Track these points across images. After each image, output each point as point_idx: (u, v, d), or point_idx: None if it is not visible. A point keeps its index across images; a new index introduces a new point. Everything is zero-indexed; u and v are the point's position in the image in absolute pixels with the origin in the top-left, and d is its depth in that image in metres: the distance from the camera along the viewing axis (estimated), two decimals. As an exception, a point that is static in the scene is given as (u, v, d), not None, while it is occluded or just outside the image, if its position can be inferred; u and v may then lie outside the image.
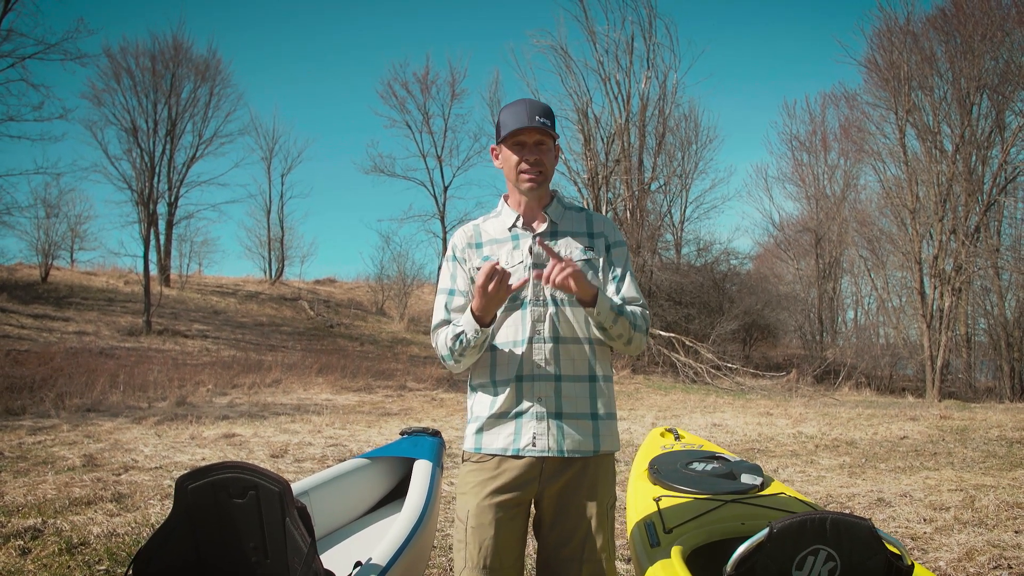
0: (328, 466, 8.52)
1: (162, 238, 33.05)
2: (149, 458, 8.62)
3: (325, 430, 11.33)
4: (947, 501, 6.78)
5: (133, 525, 5.63)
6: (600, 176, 30.38)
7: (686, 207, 37.49)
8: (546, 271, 2.47)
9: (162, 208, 32.22)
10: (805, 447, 10.52)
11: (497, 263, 2.48)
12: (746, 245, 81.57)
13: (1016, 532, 5.67)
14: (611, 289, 2.79)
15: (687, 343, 26.20)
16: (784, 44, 69.66)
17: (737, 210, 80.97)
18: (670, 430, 4.57)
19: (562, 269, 2.44)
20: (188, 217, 35.11)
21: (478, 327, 2.56)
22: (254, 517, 2.62)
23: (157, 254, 31.97)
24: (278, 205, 41.75)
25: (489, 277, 2.44)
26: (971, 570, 4.80)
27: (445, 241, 37.16)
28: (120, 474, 7.66)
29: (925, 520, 6.13)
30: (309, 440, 10.30)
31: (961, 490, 7.28)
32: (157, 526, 5.64)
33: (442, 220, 37.49)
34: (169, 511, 6.01)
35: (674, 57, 39.85)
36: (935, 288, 28.10)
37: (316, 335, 29.90)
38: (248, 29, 69.05)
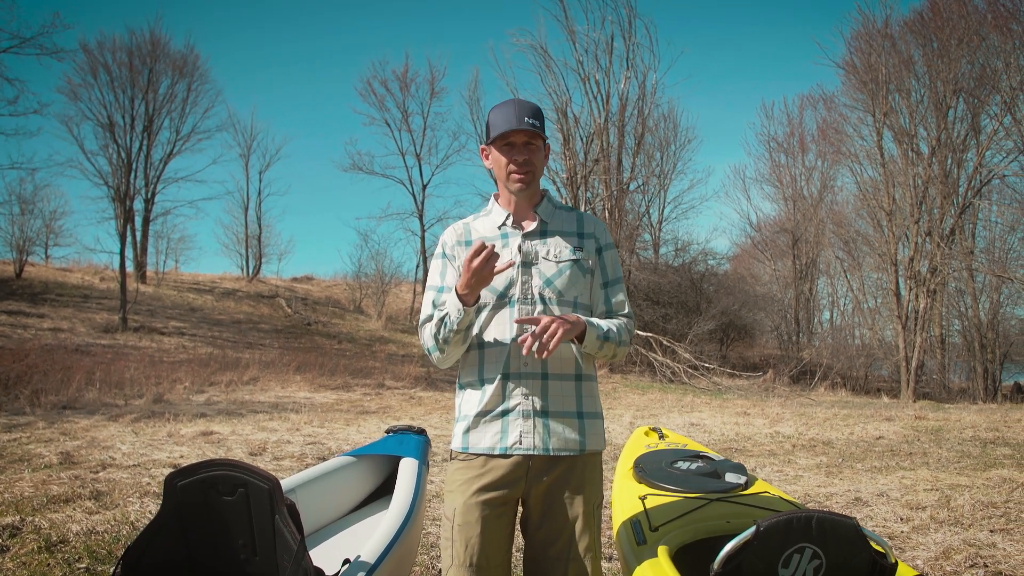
0: (307, 464, 8.52)
1: (139, 235, 32.82)
2: (127, 456, 8.57)
3: (303, 428, 11.30)
4: (923, 500, 6.85)
5: (112, 523, 5.60)
6: (579, 176, 30.40)
7: (664, 207, 37.65)
8: (533, 344, 2.46)
9: (139, 204, 32.07)
10: (782, 447, 10.59)
11: (490, 246, 2.48)
12: (723, 246, 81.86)
13: (991, 531, 5.73)
14: (600, 295, 2.82)
15: (665, 343, 26.29)
16: (763, 46, 70.26)
17: (715, 211, 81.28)
18: (654, 429, 4.59)
19: (552, 333, 2.45)
20: (165, 214, 34.94)
21: (461, 306, 2.55)
22: (243, 515, 2.62)
23: (133, 251, 31.77)
24: (256, 202, 41.61)
25: (476, 252, 2.44)
26: (948, 569, 4.85)
27: (424, 239, 37.16)
28: (98, 472, 7.61)
29: (902, 519, 6.19)
30: (288, 438, 10.27)
31: (937, 490, 7.36)
32: (137, 524, 5.64)
33: (420, 218, 37.49)
34: (151, 508, 6.03)
35: (653, 57, 39.69)
36: (911, 290, 28.32)
37: (294, 333, 29.79)
38: (227, 25, 68.92)
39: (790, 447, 10.55)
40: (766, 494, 3.37)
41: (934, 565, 4.89)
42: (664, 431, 4.56)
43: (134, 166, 30.09)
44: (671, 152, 37.45)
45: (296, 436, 10.47)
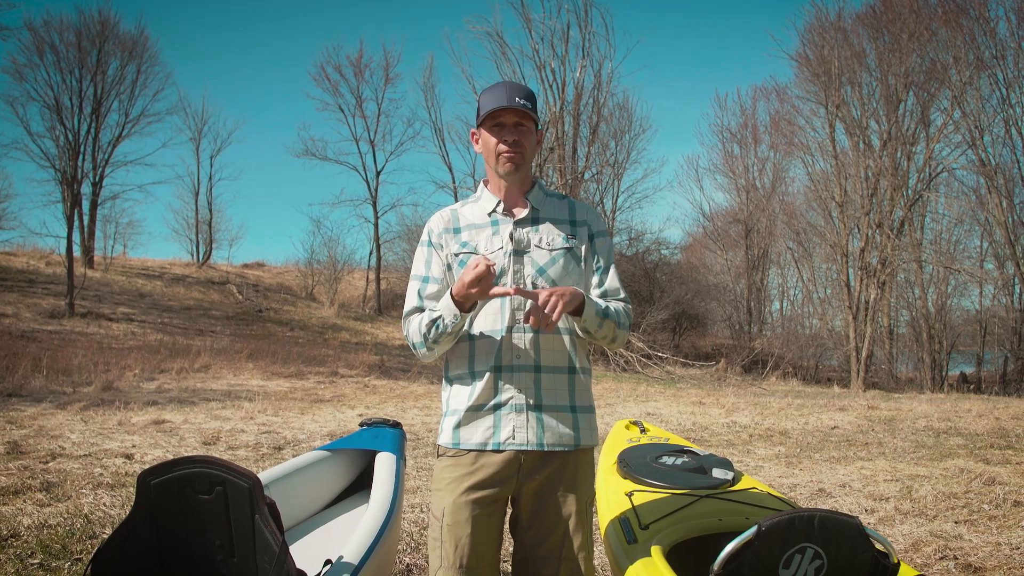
0: (263, 454, 8.38)
1: (86, 219, 32.15)
2: (77, 445, 8.35)
3: (257, 416, 11.13)
4: (885, 491, 6.89)
5: (65, 516, 5.42)
6: (534, 164, 30.36)
7: (618, 196, 37.62)
8: (534, 315, 2.37)
9: (86, 188, 31.31)
10: (739, 436, 10.63)
11: (492, 264, 2.38)
12: (676, 235, 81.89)
13: (956, 523, 5.76)
14: (594, 281, 2.73)
15: (619, 332, 26.33)
16: (717, 37, 70.82)
17: (668, 200, 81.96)
18: (635, 422, 4.52)
19: (554, 306, 2.35)
20: (113, 198, 34.30)
21: (457, 312, 2.46)
22: (221, 514, 2.49)
23: (81, 235, 31.11)
24: (207, 187, 40.95)
25: (479, 278, 2.35)
26: (919, 561, 4.86)
27: (377, 226, 36.92)
28: (48, 462, 7.39)
29: (867, 511, 6.21)
30: (241, 427, 10.10)
31: (897, 480, 7.41)
32: (91, 517, 5.47)
33: (374, 205, 37.23)
34: (104, 501, 5.86)
35: (609, 47, 39.89)
36: (861, 280, 28.68)
37: (245, 320, 29.43)
38: (178, 7, 67.64)
39: (747, 437, 10.59)
40: (755, 490, 3.31)
41: (905, 558, 4.89)
42: (645, 425, 4.49)
43: (82, 149, 29.36)
44: (625, 141, 37.44)
45: (250, 425, 10.30)
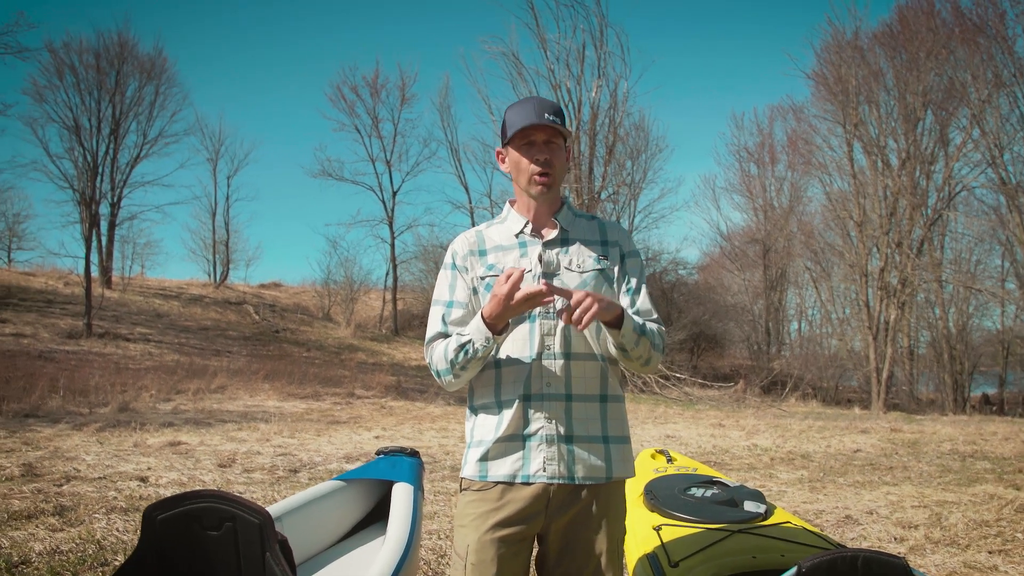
0: (279, 477, 8.28)
1: (104, 239, 32.21)
2: (92, 467, 8.28)
3: (273, 438, 11.04)
4: (913, 518, 6.72)
5: (78, 541, 5.33)
6: (553, 183, 30.25)
7: (635, 216, 37.48)
8: (568, 313, 2.24)
9: (104, 208, 31.42)
10: (761, 460, 10.47)
11: (525, 270, 2.29)
12: (694, 255, 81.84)
13: (989, 553, 5.59)
14: (625, 302, 2.59)
15: (636, 352, 26.15)
16: (733, 56, 70.75)
17: (685, 220, 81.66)
18: (661, 451, 4.39)
19: (588, 307, 2.22)
20: (131, 218, 34.29)
21: (489, 335, 2.33)
22: (230, 551, 2.39)
23: (99, 255, 31.20)
24: (223, 207, 41.00)
25: (515, 285, 2.24)
26: (953, 594, 4.71)
27: (393, 246, 36.94)
28: (62, 485, 7.32)
29: (896, 539, 6.05)
30: (257, 449, 10.01)
31: (925, 507, 7.24)
32: (103, 543, 5.38)
33: (390, 225, 37.27)
34: (117, 526, 5.76)
35: (625, 66, 39.58)
36: (881, 300, 28.44)
37: (262, 340, 29.42)
38: (195, 28, 68.24)
39: (769, 460, 10.43)
40: (789, 525, 3.18)
41: (938, 590, 4.75)
42: (672, 454, 4.35)
43: (100, 170, 29.52)
44: (642, 161, 37.34)
45: (266, 447, 10.21)
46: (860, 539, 6.07)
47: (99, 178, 29.50)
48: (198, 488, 2.75)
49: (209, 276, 40.51)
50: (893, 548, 5.76)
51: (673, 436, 12.97)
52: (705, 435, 13.23)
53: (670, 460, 4.26)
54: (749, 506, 3.31)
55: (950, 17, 27.85)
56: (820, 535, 3.09)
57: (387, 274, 37.43)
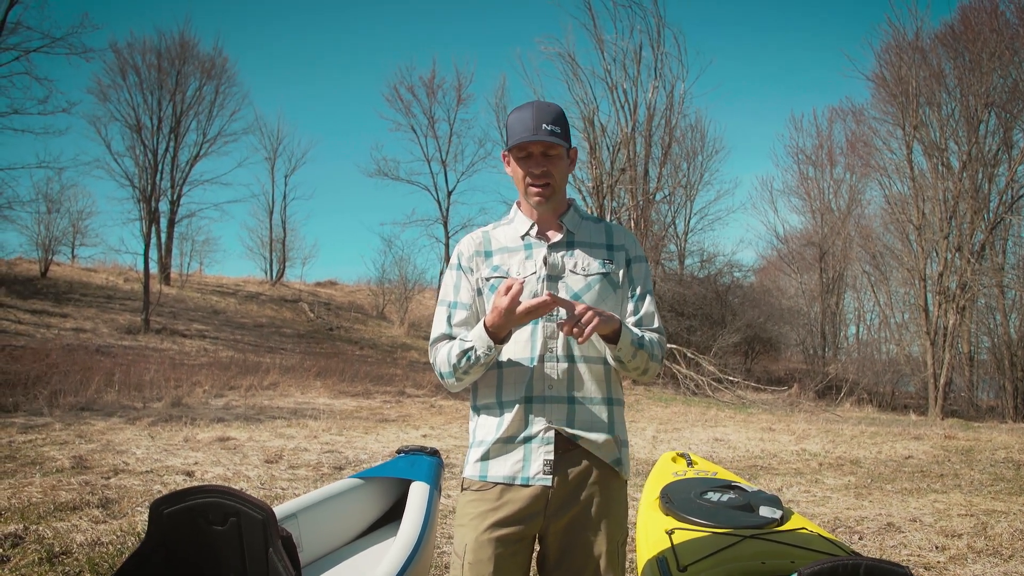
0: (323, 474, 8.36)
1: (163, 236, 32.86)
2: (140, 461, 8.44)
3: (321, 436, 11.15)
4: (958, 527, 6.60)
5: (118, 534, 5.45)
6: (605, 185, 30.15)
7: (690, 218, 37.32)
8: (569, 326, 2.25)
9: (164, 206, 32.08)
10: (809, 465, 10.34)
11: (522, 281, 2.29)
12: (750, 258, 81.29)
13: (1032, 564, 5.48)
14: (629, 308, 2.59)
15: (689, 355, 26.01)
16: (792, 57, 69.69)
17: (741, 222, 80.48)
18: (682, 455, 4.35)
19: (588, 321, 2.23)
20: (190, 216, 34.98)
21: (491, 343, 2.35)
22: (235, 546, 2.43)
23: (158, 252, 31.81)
24: (280, 206, 41.64)
25: (514, 301, 2.24)
26: (989, 605, 4.61)
27: (447, 246, 37.07)
28: (109, 477, 7.47)
29: (937, 548, 5.94)
30: (305, 446, 10.12)
31: (972, 515, 7.10)
32: (142, 535, 5.47)
33: (445, 225, 37.44)
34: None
35: (682, 67, 39.49)
36: (939, 305, 27.90)
37: (315, 338, 29.71)
38: (254, 28, 69.18)
39: (816, 466, 10.29)
40: (803, 531, 3.14)
41: (974, 600, 4.66)
42: (693, 457, 4.32)
43: (160, 168, 30.13)
44: (698, 163, 37.20)
45: (314, 444, 10.32)
46: (900, 547, 5.98)
47: (159, 176, 30.16)
48: (203, 484, 2.80)
49: (266, 274, 41.14)
50: (933, 557, 5.66)
51: (722, 439, 12.86)
52: (754, 439, 13.09)
53: (690, 464, 4.22)
54: (764, 511, 3.27)
55: (1014, 17, 27.19)
56: (834, 542, 3.05)
57: (441, 273, 37.55)
